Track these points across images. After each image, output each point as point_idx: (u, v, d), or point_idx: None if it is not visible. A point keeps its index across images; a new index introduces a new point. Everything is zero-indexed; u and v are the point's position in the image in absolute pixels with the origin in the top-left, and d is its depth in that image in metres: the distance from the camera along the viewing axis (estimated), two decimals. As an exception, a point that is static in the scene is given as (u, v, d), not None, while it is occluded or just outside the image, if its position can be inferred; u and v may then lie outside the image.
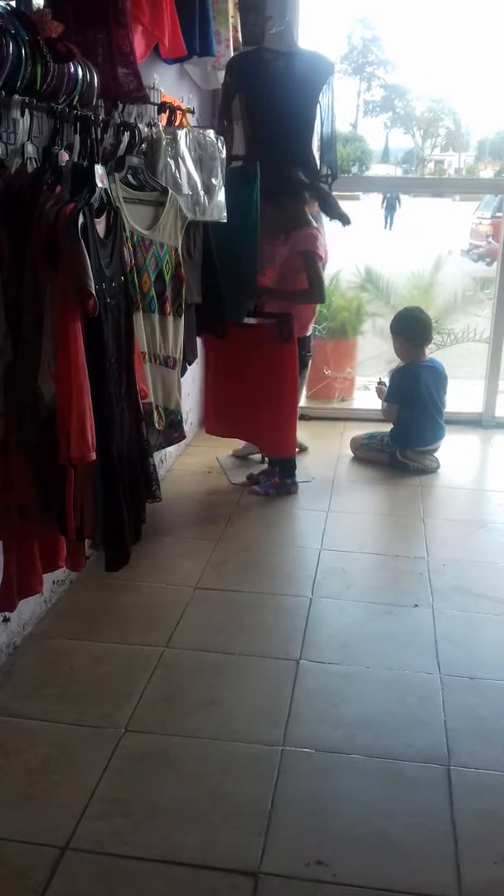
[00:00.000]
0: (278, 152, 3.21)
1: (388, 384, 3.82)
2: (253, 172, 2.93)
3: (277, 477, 3.34)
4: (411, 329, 3.78)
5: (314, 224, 3.22)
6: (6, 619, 2.08)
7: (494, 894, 1.45)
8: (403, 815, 1.62)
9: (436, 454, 3.73)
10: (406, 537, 3.04)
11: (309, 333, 3.55)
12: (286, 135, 3.27)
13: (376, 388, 3.95)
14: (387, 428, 3.76)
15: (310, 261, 3.12)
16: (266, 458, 3.51)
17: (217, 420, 3.47)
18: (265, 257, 3.19)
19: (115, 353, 1.84)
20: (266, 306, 3.21)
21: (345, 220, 3.32)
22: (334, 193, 3.41)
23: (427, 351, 3.92)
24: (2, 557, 1.88)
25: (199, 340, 3.01)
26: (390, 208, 16.98)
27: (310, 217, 3.21)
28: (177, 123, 2.59)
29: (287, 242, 3.19)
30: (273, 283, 3.25)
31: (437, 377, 3.77)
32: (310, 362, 3.71)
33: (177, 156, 2.29)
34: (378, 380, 3.97)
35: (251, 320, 3.18)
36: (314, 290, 3.16)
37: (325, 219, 3.35)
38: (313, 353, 3.82)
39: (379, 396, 3.89)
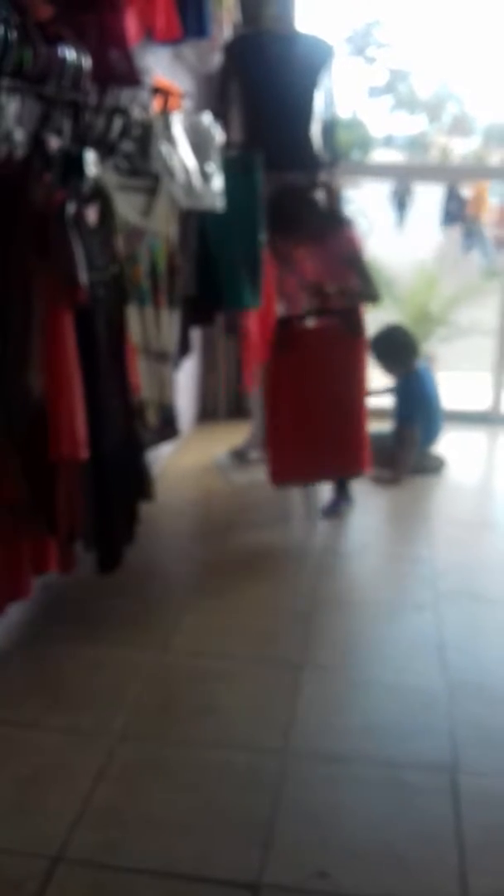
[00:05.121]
0: (277, 138, 3.15)
1: (395, 406, 3.62)
2: (252, 165, 2.85)
3: (337, 497, 3.11)
4: (393, 353, 3.60)
5: (345, 223, 3.10)
6: (-6, 624, 2.03)
7: (503, 907, 1.42)
8: (408, 824, 1.58)
9: (436, 453, 3.65)
10: (410, 538, 3.01)
11: None
12: (285, 120, 3.22)
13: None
14: (388, 427, 3.68)
15: (356, 264, 3.02)
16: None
17: (292, 460, 2.91)
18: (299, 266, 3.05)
19: (106, 347, 1.81)
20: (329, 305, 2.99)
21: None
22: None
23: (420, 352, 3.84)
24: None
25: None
26: (400, 205, 16.01)
27: (337, 217, 3.10)
28: (171, 107, 2.52)
29: (323, 247, 3.04)
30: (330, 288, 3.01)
31: (431, 378, 3.73)
32: None
33: (171, 141, 2.23)
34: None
35: (312, 321, 2.97)
36: (366, 290, 3.03)
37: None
38: None
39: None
